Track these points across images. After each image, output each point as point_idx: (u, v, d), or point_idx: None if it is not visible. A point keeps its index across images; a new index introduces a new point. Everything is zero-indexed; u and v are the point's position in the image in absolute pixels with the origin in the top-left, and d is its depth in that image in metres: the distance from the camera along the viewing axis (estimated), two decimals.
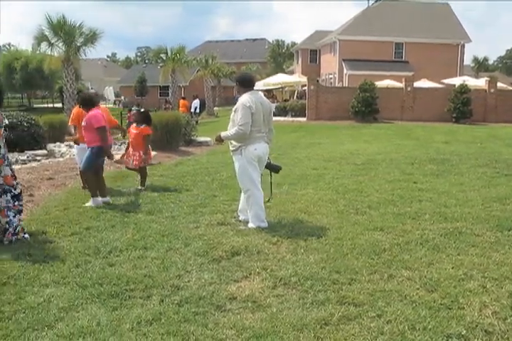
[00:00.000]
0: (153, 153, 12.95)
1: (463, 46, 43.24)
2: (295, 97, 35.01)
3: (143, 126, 8.90)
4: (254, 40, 76.89)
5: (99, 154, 7.66)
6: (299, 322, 3.76)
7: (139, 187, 8.77)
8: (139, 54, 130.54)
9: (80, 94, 8.24)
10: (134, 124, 9.15)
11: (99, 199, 7.63)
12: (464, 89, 26.02)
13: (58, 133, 16.30)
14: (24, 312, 4.00)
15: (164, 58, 38.49)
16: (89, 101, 7.87)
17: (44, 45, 25.91)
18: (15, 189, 5.83)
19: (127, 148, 9.17)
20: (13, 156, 11.46)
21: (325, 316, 3.85)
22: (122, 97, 60.64)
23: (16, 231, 5.79)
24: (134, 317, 3.88)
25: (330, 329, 3.67)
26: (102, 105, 9.87)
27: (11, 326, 3.78)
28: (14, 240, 5.76)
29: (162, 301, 4.18)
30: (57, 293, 4.36)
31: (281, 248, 5.50)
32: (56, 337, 3.61)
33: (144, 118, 9.05)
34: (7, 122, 5.60)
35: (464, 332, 3.61)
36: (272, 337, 3.57)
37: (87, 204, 7.50)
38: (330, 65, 45.49)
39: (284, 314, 3.91)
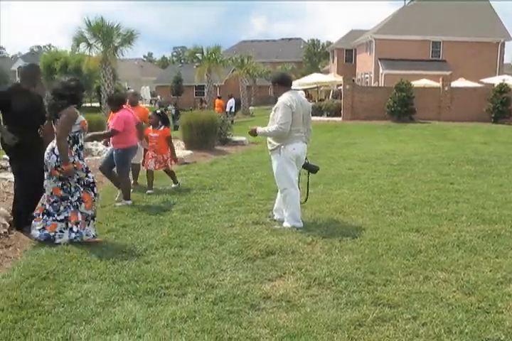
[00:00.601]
0: (188, 152, 13.10)
1: (503, 44, 42.27)
2: (330, 97, 34.82)
3: (162, 128, 8.69)
4: (290, 39, 76.67)
5: (123, 155, 7.65)
6: (332, 323, 3.74)
7: (173, 185, 8.80)
8: (175, 54, 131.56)
9: (108, 95, 8.26)
10: (150, 127, 8.76)
11: (130, 202, 7.67)
12: (503, 88, 25.49)
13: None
14: (63, 307, 4.09)
15: (200, 58, 38.79)
16: (114, 102, 7.90)
17: (83, 46, 26.43)
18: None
19: (145, 152, 8.83)
20: None
21: (359, 317, 3.83)
22: (158, 97, 61.22)
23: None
24: (169, 314, 3.93)
25: (364, 331, 3.65)
26: (140, 105, 9.99)
27: (50, 319, 3.88)
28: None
29: (197, 299, 4.21)
30: (95, 288, 4.44)
31: (316, 248, 5.48)
32: (93, 332, 3.68)
33: (162, 120, 8.80)
34: (83, 118, 5.79)
35: (503, 337, 3.53)
36: (306, 336, 3.56)
37: (118, 205, 7.61)
38: (366, 64, 45.08)
39: (318, 314, 3.90)
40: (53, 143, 5.61)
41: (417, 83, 29.12)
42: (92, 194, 5.74)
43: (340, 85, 30.44)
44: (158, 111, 8.83)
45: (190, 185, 9.08)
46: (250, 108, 45.74)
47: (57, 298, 4.27)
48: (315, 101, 34.19)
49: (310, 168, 6.64)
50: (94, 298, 4.24)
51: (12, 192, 7.34)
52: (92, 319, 3.89)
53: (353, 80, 29.95)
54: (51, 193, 5.68)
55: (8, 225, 6.23)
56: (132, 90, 14.87)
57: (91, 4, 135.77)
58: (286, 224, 6.28)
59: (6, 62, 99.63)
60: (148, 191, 8.49)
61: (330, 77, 38.09)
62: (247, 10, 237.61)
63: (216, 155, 13.86)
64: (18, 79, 6.49)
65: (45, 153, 5.63)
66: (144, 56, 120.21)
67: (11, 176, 9.33)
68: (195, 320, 3.83)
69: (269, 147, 6.37)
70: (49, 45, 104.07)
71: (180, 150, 13.42)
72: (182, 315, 3.90)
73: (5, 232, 6.08)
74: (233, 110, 33.78)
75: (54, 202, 5.70)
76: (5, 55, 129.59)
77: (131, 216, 6.91)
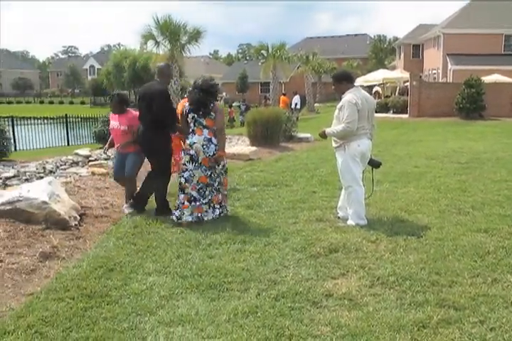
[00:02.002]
0: (253, 148, 13.17)
1: None
2: (397, 93, 34.16)
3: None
4: (355, 35, 75.73)
5: (141, 157, 7.29)
6: (395, 323, 3.69)
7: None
8: (240, 51, 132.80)
9: (114, 95, 7.23)
10: None
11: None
12: None
13: None
14: (129, 298, 4.22)
15: (265, 55, 38.82)
16: (119, 103, 7.20)
17: (150, 44, 26.96)
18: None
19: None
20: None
21: (423, 318, 3.75)
22: (224, 93, 61.93)
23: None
24: (231, 308, 3.98)
25: (428, 332, 3.57)
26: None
27: (117, 309, 4.02)
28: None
29: (259, 295, 4.25)
30: (159, 281, 4.55)
31: (380, 246, 5.41)
32: (157, 323, 3.78)
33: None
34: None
35: None
36: (368, 336, 3.53)
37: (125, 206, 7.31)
38: (433, 59, 43.93)
39: (380, 314, 3.85)
40: (205, 135, 6.35)
41: (487, 78, 28.11)
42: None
43: (407, 81, 29.77)
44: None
45: (254, 181, 9.13)
46: (315, 105, 45.50)
47: (123, 289, 4.41)
48: (381, 97, 33.64)
49: (373, 163, 6.55)
50: (159, 291, 4.35)
51: (83, 186, 7.63)
52: (157, 311, 3.99)
53: (420, 76, 29.32)
54: (197, 181, 6.41)
55: (78, 218, 6.46)
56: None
57: (158, 4, 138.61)
58: (350, 222, 6.23)
59: (79, 61, 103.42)
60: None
61: (396, 73, 37.30)
62: (312, 6, 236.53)
63: (281, 151, 13.87)
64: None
65: (198, 145, 6.33)
66: (210, 53, 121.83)
67: (82, 171, 9.70)
68: (257, 316, 3.86)
69: (334, 144, 6.33)
70: (118, 44, 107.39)
71: (246, 147, 13.53)
72: (244, 310, 3.94)
73: (75, 224, 6.32)
74: (298, 107, 33.70)
75: (200, 188, 6.43)
76: (78, 54, 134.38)
77: None
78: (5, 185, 8.13)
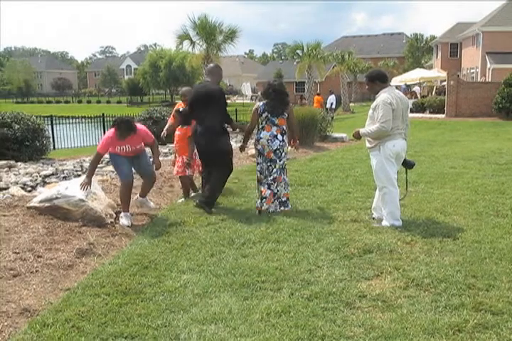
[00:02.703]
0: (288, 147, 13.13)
1: None
2: (433, 93, 33.68)
3: (186, 127, 7.60)
4: (392, 34, 74.95)
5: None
6: (430, 326, 3.64)
7: (180, 200, 7.79)
8: (275, 50, 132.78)
9: (120, 123, 6.44)
10: (180, 126, 7.81)
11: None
12: None
13: None
14: (163, 295, 4.27)
15: (300, 54, 38.74)
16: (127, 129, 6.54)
17: (186, 44, 27.16)
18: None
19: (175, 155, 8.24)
20: None
21: (459, 322, 3.69)
22: (259, 93, 62.01)
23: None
24: (264, 308, 3.98)
25: (463, 337, 3.51)
26: (239, 100, 9.60)
27: (151, 306, 4.07)
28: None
29: (292, 294, 4.24)
30: (193, 279, 4.59)
31: (415, 248, 5.35)
32: (190, 321, 3.81)
33: (186, 119, 7.56)
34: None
35: None
36: (401, 338, 3.50)
37: (179, 201, 7.61)
38: (472, 58, 43.17)
39: (414, 316, 3.81)
40: (272, 132, 6.94)
41: None
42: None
43: (444, 81, 29.34)
44: (180, 109, 7.60)
45: (289, 181, 9.10)
46: (351, 104, 45.19)
47: (157, 286, 4.46)
48: (417, 97, 33.21)
49: (407, 164, 6.48)
50: (193, 289, 4.39)
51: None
52: (190, 308, 4.02)
53: (458, 75, 28.77)
54: (265, 173, 7.02)
55: (114, 215, 6.56)
56: (231, 86, 14.87)
57: (194, 3, 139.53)
58: (384, 223, 6.17)
59: (116, 61, 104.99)
60: (179, 200, 7.81)
61: (433, 73, 36.79)
62: (348, 5, 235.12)
63: (316, 151, 13.83)
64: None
65: (264, 140, 6.92)
66: (245, 53, 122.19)
67: None
68: (290, 315, 3.86)
69: (368, 145, 6.28)
70: (154, 44, 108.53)
71: None
72: (277, 309, 3.94)
73: (111, 222, 6.42)
74: (333, 106, 33.52)
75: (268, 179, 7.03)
76: (115, 55, 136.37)
77: (231, 210, 7.05)
78: (44, 183, 8.30)
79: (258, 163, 7.09)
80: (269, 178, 6.95)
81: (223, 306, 4.03)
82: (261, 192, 6.97)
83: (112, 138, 6.44)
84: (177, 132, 7.80)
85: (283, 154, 7.02)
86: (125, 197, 6.67)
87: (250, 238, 5.75)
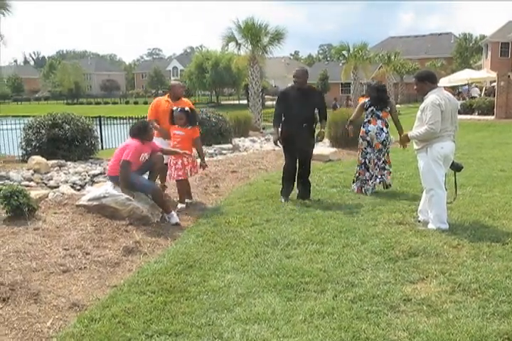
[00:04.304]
0: (333, 149, 13.09)
1: None
2: (482, 94, 32.92)
3: (189, 128, 7.31)
4: (439, 34, 73.59)
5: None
6: (477, 333, 3.55)
7: (180, 205, 7.33)
8: (320, 51, 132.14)
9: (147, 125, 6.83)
10: (177, 126, 7.31)
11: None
12: None
13: (243, 129, 17.12)
14: (207, 294, 4.32)
15: (346, 55, 38.46)
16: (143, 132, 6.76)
17: (232, 45, 27.28)
18: None
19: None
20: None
21: (508, 330, 3.59)
22: None
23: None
24: (307, 309, 3.98)
25: None
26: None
27: (195, 305, 4.12)
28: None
29: (336, 296, 4.22)
30: (237, 279, 4.62)
31: (462, 252, 5.24)
32: (234, 320, 3.84)
33: (190, 119, 7.31)
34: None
35: None
36: None
37: (179, 207, 7.29)
38: None
39: (461, 322, 3.73)
40: (378, 125, 8.11)
41: None
42: None
43: (494, 82, 28.62)
44: (186, 109, 7.33)
45: (334, 182, 9.07)
46: (397, 106, 44.54)
47: (202, 285, 4.51)
48: (465, 98, 32.52)
49: (454, 167, 6.36)
50: (236, 289, 4.42)
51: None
52: (233, 308, 4.05)
53: (509, 76, 27.97)
54: (373, 162, 8.17)
55: (160, 215, 6.66)
56: (276, 87, 14.79)
57: (240, 4, 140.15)
58: (431, 226, 6.07)
59: (162, 63, 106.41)
60: (180, 205, 7.36)
61: (482, 73, 36.02)
62: (394, 5, 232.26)
63: None
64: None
65: (372, 133, 8.07)
66: (291, 54, 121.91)
67: None
68: (333, 317, 3.84)
69: (415, 146, 6.19)
70: (200, 46, 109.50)
71: (326, 148, 13.46)
72: (320, 311, 3.93)
73: (157, 221, 6.52)
74: None
75: (375, 166, 8.17)
76: (162, 57, 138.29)
77: (275, 211, 7.06)
78: (92, 182, 8.47)
79: (367, 153, 8.21)
80: (379, 163, 8.16)
81: (267, 306, 4.04)
82: (361, 175, 8.23)
83: (140, 145, 6.57)
84: (179, 131, 7.25)
85: (388, 143, 8.21)
86: (161, 201, 6.67)
87: (295, 239, 5.74)
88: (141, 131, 6.65)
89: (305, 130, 7.55)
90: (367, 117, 8.23)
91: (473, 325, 3.67)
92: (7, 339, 3.62)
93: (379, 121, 8.14)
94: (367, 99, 8.34)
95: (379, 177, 8.19)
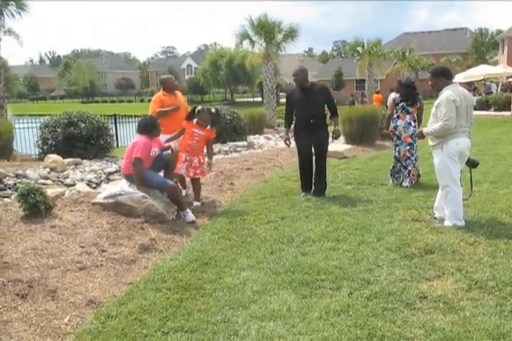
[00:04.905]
0: (348, 146, 13.04)
1: None
2: (499, 90, 32.59)
3: (209, 128, 7.30)
4: (455, 29, 72.84)
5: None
6: (495, 331, 3.53)
7: (196, 203, 7.30)
8: (335, 48, 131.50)
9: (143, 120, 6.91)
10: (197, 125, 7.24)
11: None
12: None
13: (258, 126, 17.10)
14: (222, 291, 4.33)
15: (360, 52, 38.27)
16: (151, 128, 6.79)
17: (246, 43, 27.24)
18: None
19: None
20: (215, 147, 12.28)
21: None
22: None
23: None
24: (323, 306, 3.98)
25: None
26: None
27: (211, 302, 4.14)
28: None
29: (351, 293, 4.22)
30: (252, 276, 4.63)
31: (479, 249, 5.20)
32: (249, 317, 3.84)
33: (214, 120, 7.39)
34: None
35: None
36: None
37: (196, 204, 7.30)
38: None
39: (478, 319, 3.71)
40: (406, 120, 8.55)
41: None
42: None
43: (511, 77, 28.32)
44: (212, 110, 7.34)
45: (349, 179, 9.05)
46: None
47: (217, 282, 4.52)
48: (481, 94, 32.22)
49: (470, 163, 6.31)
50: (252, 286, 4.42)
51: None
52: (249, 305, 4.06)
53: None
54: (402, 154, 8.59)
55: (175, 212, 6.68)
56: (290, 84, 14.79)
57: (254, 2, 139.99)
58: (447, 223, 6.03)
59: (177, 61, 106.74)
60: (195, 203, 7.31)
61: (499, 69, 35.59)
62: (408, 3, 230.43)
63: (376, 149, 13.64)
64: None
65: (401, 128, 8.55)
66: (305, 51, 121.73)
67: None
68: (349, 315, 3.84)
69: (431, 143, 6.15)
70: (215, 43, 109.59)
71: (341, 144, 13.41)
72: (336, 308, 3.93)
73: (173, 219, 6.54)
74: None
75: (404, 160, 8.56)
76: (176, 54, 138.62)
77: (290, 208, 7.05)
78: (108, 180, 8.51)
79: (397, 145, 8.69)
80: (412, 158, 8.54)
81: (282, 303, 4.05)
82: (395, 168, 8.70)
83: (148, 141, 6.59)
84: (199, 132, 7.18)
85: (416, 137, 7.97)
86: (177, 199, 6.68)
87: (310, 236, 5.74)
88: (149, 127, 6.72)
89: (312, 125, 7.61)
90: (396, 112, 8.67)
91: (490, 323, 3.64)
92: (26, 335, 3.66)
93: (407, 116, 8.57)
94: (397, 95, 8.91)
95: (412, 177, 8.46)
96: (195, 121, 7.22)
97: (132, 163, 6.47)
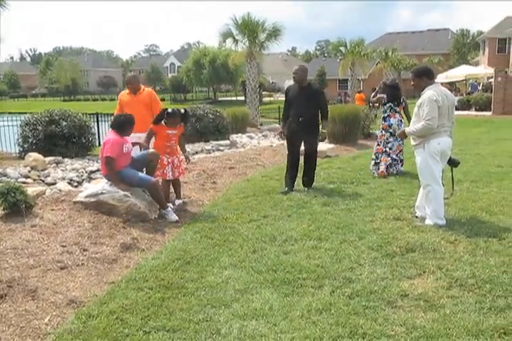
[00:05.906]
0: (330, 145, 13.08)
1: None
2: (480, 90, 32.93)
3: (179, 125, 7.29)
4: (437, 30, 73.33)
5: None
6: (474, 328, 3.57)
7: (178, 201, 7.33)
8: (318, 47, 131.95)
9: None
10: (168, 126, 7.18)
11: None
12: None
13: (240, 125, 17.10)
14: (205, 290, 4.33)
15: (343, 51, 38.40)
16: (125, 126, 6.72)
17: (229, 42, 27.19)
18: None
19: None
20: (199, 146, 12.27)
21: (504, 324, 3.60)
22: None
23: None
24: (305, 305, 3.99)
25: (509, 340, 3.44)
26: (282, 98, 9.87)
27: (193, 301, 4.13)
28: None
29: (333, 292, 4.23)
30: (235, 275, 4.63)
31: (459, 247, 5.25)
32: (231, 316, 3.84)
33: (184, 118, 7.38)
34: None
35: None
36: (444, 339, 3.45)
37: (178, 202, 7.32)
38: None
39: (458, 317, 3.75)
40: (397, 118, 9.41)
41: None
42: None
43: (491, 77, 28.64)
44: (182, 110, 7.26)
45: (331, 178, 9.08)
46: None
47: (199, 281, 4.52)
48: (463, 94, 32.52)
49: (451, 162, 6.36)
50: (234, 285, 4.42)
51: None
52: (231, 304, 4.06)
53: (506, 72, 27.94)
54: (396, 148, 9.43)
55: (157, 211, 6.66)
56: (274, 83, 14.80)
57: (239, 3, 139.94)
58: (428, 221, 6.08)
59: (160, 59, 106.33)
60: (177, 201, 7.35)
61: (480, 69, 36.01)
62: (392, 2, 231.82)
63: (359, 149, 13.72)
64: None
65: (395, 126, 9.26)
66: (288, 50, 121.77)
67: None
68: (331, 313, 3.85)
69: (413, 142, 6.19)
70: (198, 42, 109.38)
71: (324, 144, 13.41)
72: (317, 306, 3.95)
73: (154, 218, 6.52)
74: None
75: (397, 153, 9.44)
76: (159, 53, 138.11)
77: (273, 207, 7.06)
78: (90, 179, 8.46)
79: (388, 142, 9.44)
80: (397, 152, 9.44)
81: (264, 302, 4.05)
82: (385, 161, 9.36)
83: (118, 138, 6.53)
84: (173, 131, 7.17)
85: None
86: (159, 197, 6.66)
87: (292, 235, 5.75)
88: (125, 125, 6.65)
89: (302, 123, 7.78)
90: (385, 112, 9.53)
91: (469, 320, 3.68)
92: (5, 335, 3.62)
93: (397, 115, 9.46)
94: (384, 95, 9.62)
95: (399, 162, 9.55)
96: (163, 122, 7.14)
97: (104, 163, 6.48)
